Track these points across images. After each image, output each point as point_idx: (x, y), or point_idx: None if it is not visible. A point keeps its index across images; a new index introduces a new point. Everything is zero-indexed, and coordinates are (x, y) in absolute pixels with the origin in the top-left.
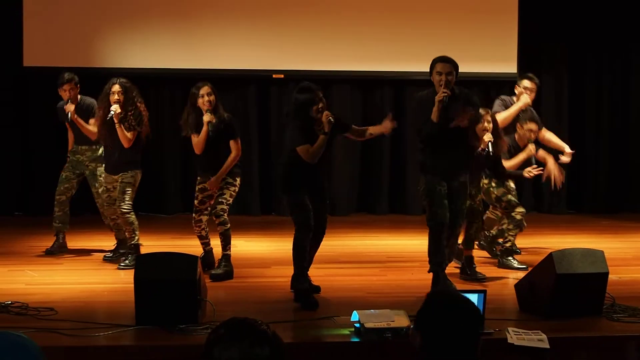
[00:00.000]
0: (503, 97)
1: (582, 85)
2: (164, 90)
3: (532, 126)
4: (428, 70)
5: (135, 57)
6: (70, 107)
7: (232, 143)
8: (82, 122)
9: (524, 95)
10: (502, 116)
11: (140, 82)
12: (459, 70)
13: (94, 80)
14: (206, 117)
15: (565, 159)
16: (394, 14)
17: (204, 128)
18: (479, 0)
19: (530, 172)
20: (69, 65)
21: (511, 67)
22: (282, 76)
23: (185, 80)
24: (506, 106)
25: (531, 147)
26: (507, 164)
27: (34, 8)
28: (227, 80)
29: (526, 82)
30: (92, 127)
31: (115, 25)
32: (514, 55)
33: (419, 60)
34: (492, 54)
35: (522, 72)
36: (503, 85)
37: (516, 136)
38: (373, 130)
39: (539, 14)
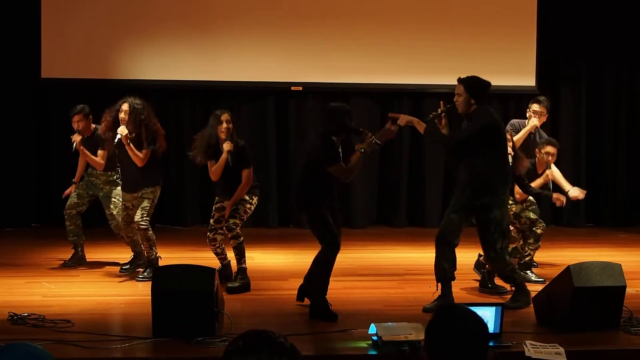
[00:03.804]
0: (513, 121)
1: (601, 97)
2: (183, 102)
3: (550, 149)
4: (446, 83)
5: (153, 69)
6: (76, 138)
7: (243, 172)
8: (87, 153)
9: (532, 119)
10: (514, 139)
11: (158, 94)
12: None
13: (111, 92)
14: (227, 146)
15: (574, 193)
16: (412, 27)
17: (224, 156)
18: (498, 14)
19: (559, 199)
20: (87, 77)
21: (530, 81)
22: (300, 88)
23: (203, 92)
24: (516, 130)
25: (548, 172)
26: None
27: (52, 20)
28: (246, 92)
29: (535, 106)
30: (98, 158)
31: (133, 37)
32: (533, 68)
33: (438, 73)
34: (511, 67)
35: (541, 84)
36: (522, 99)
37: (537, 160)
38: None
39: (558, 28)
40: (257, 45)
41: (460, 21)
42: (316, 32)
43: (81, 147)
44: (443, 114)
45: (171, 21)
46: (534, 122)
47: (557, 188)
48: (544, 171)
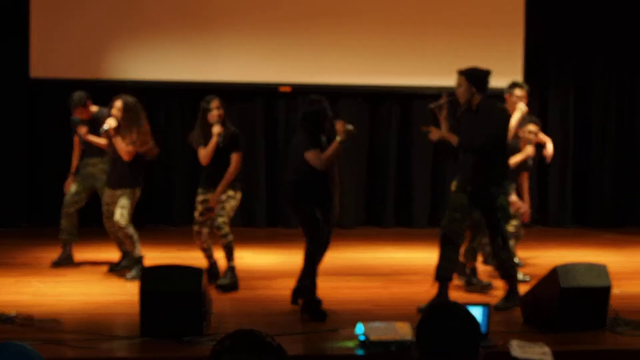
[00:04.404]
0: None
1: (588, 98)
2: (172, 102)
3: (532, 127)
4: (435, 84)
5: (143, 69)
6: (82, 130)
7: (233, 156)
8: (95, 139)
9: (520, 104)
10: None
11: (148, 94)
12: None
13: (101, 92)
14: (216, 129)
15: (548, 151)
16: (400, 28)
17: (213, 139)
18: (485, 15)
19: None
20: (76, 77)
21: None
22: (289, 89)
23: (193, 92)
24: None
25: (529, 149)
26: None
27: (41, 19)
28: (235, 92)
29: (518, 91)
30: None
31: (123, 37)
32: (520, 69)
33: (426, 75)
34: (498, 67)
35: (528, 86)
36: None
37: (520, 141)
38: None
39: (545, 28)
40: (246, 46)
41: (448, 23)
42: (305, 33)
43: (88, 137)
44: (444, 104)
45: (161, 22)
46: (522, 107)
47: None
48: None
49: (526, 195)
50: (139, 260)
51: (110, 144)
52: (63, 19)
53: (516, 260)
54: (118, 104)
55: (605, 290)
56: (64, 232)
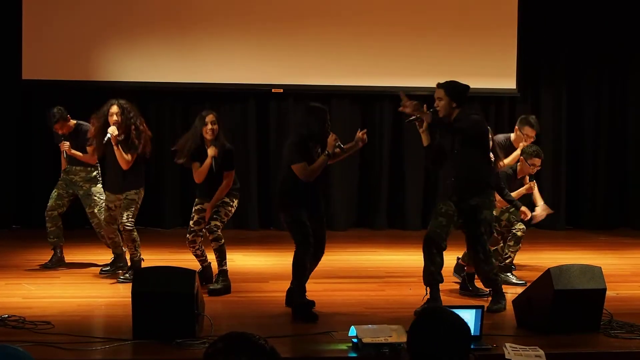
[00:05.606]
0: (499, 137)
1: (581, 101)
2: (164, 104)
3: (537, 161)
4: (427, 85)
5: (135, 71)
6: (64, 146)
7: (225, 173)
8: (78, 154)
9: (521, 143)
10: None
11: (139, 96)
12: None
13: (92, 94)
14: (211, 152)
15: (538, 212)
16: (393, 29)
17: (207, 161)
18: (479, 17)
19: (525, 213)
20: (68, 79)
21: (510, 83)
22: (281, 90)
23: (185, 94)
24: (502, 147)
25: (532, 185)
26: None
27: (33, 21)
28: (227, 94)
29: (528, 130)
30: (88, 155)
31: (115, 39)
32: (513, 71)
33: (419, 76)
34: (491, 69)
35: (521, 87)
36: (502, 101)
37: (518, 166)
38: (347, 147)
39: (538, 31)
40: (238, 48)
41: (441, 24)
42: (297, 34)
43: (72, 152)
44: (425, 117)
45: (153, 23)
46: (530, 189)
47: (526, 197)
48: (522, 177)
49: (538, 198)
50: (138, 263)
51: (108, 152)
52: (55, 22)
53: (509, 262)
54: (114, 109)
55: (600, 293)
56: (51, 235)
